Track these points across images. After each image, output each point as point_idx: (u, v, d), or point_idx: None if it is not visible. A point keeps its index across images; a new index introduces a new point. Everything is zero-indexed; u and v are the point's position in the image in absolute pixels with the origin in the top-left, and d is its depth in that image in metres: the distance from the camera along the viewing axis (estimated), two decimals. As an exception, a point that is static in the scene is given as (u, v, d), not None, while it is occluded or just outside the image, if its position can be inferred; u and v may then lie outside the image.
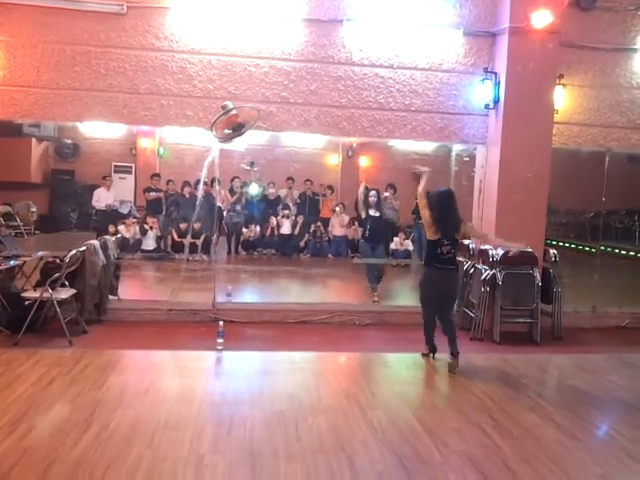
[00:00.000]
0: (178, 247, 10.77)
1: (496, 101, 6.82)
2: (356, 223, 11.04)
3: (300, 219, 12.08)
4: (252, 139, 7.95)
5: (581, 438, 4.08)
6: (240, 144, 7.47)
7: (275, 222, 11.89)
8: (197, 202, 9.36)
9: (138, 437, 3.75)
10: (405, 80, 6.90)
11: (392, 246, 10.88)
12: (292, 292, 8.89)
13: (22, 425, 3.83)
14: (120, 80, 6.52)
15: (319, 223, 12.08)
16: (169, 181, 11.85)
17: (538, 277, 6.60)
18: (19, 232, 11.22)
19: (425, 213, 5.42)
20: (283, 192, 12.55)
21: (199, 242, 10.61)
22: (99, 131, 13.15)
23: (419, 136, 7.07)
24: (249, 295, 8.73)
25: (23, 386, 4.49)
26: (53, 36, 6.39)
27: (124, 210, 12.09)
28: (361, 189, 8.05)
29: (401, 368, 5.53)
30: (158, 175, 12.11)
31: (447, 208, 5.35)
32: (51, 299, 5.68)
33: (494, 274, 6.57)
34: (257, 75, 6.68)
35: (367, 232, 7.97)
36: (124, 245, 9.27)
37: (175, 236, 10.98)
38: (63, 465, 3.36)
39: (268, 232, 11.92)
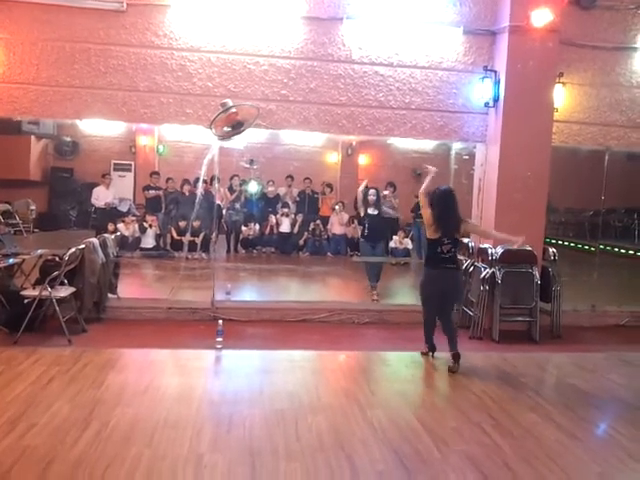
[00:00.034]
0: (177, 245, 10.76)
1: (496, 99, 6.81)
2: (355, 221, 11.04)
3: (299, 217, 12.09)
4: (251, 137, 7.92)
5: (580, 437, 4.08)
6: (239, 142, 7.46)
7: (274, 220, 11.90)
8: (196, 200, 9.37)
9: (137, 436, 3.75)
10: (405, 78, 6.89)
11: (391, 244, 10.87)
12: (291, 290, 8.89)
13: (21, 424, 3.83)
14: (119, 78, 6.51)
15: (318, 221, 12.06)
16: (168, 179, 11.84)
17: (537, 276, 6.60)
18: (18, 230, 11.20)
19: (426, 212, 5.42)
20: (282, 190, 12.55)
21: (198, 240, 10.62)
22: (98, 129, 13.11)
23: (419, 134, 7.06)
24: (248, 293, 8.72)
25: (22, 385, 4.49)
26: (53, 33, 6.37)
27: (123, 208, 12.08)
28: (361, 187, 8.04)
29: (400, 367, 5.53)
30: (157, 173, 12.10)
31: (448, 207, 5.34)
32: (50, 297, 5.68)
33: (493, 273, 6.57)
34: (257, 73, 6.67)
35: (366, 231, 7.96)
36: (123, 243, 9.27)
37: (174, 234, 10.97)
38: (62, 464, 3.36)
39: (267, 230, 11.92)
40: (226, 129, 6.14)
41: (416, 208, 9.68)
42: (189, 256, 9.95)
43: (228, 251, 11.63)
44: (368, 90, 6.85)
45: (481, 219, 7.11)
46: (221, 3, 6.51)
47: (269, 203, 12.20)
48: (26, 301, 5.76)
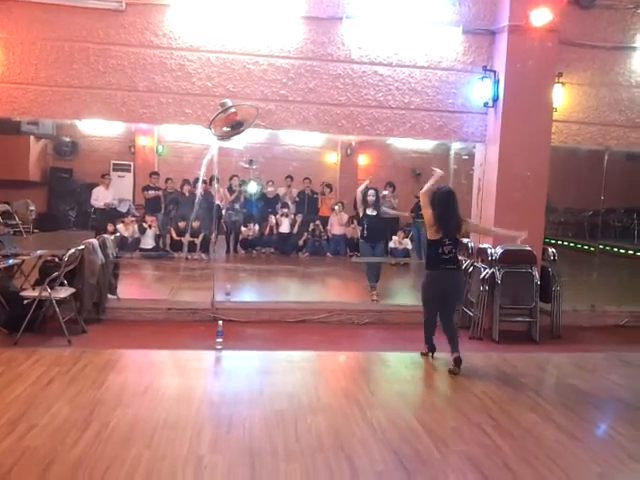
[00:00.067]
0: (177, 246, 10.75)
1: (495, 99, 6.81)
2: (355, 222, 11.03)
3: (299, 218, 12.09)
4: (251, 137, 7.92)
5: (580, 437, 4.08)
6: (239, 142, 7.45)
7: (274, 221, 11.89)
8: (196, 200, 9.36)
9: (137, 437, 3.74)
10: (404, 78, 6.89)
11: (391, 245, 10.88)
12: (291, 291, 8.89)
13: (21, 425, 3.82)
14: (119, 77, 6.50)
15: (318, 222, 12.06)
16: (168, 179, 11.84)
17: (537, 276, 6.60)
18: (18, 231, 11.17)
19: (427, 212, 5.41)
20: (282, 190, 12.55)
21: (198, 241, 10.61)
22: (98, 129, 13.10)
23: (418, 134, 7.05)
24: (248, 294, 8.71)
25: (22, 386, 4.48)
26: (52, 33, 6.36)
27: (123, 209, 12.07)
28: (361, 188, 8.02)
29: (400, 367, 5.53)
30: (157, 173, 12.10)
31: (448, 207, 5.34)
32: (50, 298, 5.67)
33: (493, 273, 6.57)
34: (256, 73, 6.67)
35: (365, 231, 7.94)
36: (123, 244, 9.27)
37: (174, 235, 10.97)
38: (62, 465, 3.36)
39: (267, 231, 11.92)
40: (225, 129, 6.13)
41: (416, 208, 9.68)
42: (189, 257, 9.94)
43: (228, 251, 11.63)
44: (367, 90, 6.85)
45: (480, 219, 7.10)
46: (220, 3, 6.51)
47: (268, 203, 12.19)
48: (26, 302, 5.75)
